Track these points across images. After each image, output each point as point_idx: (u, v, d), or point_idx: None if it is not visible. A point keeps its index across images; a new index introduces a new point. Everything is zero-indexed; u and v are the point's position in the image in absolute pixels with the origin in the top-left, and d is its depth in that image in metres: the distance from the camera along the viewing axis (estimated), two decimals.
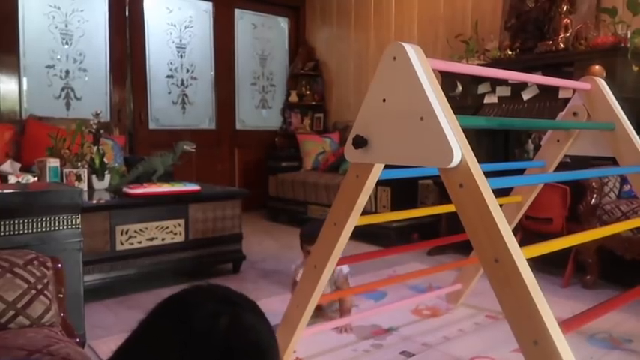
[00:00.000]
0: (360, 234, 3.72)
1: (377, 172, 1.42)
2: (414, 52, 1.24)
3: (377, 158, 1.34)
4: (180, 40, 4.76)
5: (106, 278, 2.47)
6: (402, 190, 3.66)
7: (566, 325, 1.13)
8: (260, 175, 4.99)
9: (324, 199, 4.10)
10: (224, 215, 2.90)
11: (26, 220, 1.28)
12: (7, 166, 2.79)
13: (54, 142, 2.90)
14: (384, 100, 1.29)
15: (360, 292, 2.46)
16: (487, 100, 3.59)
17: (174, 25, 4.71)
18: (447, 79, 3.75)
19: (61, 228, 1.33)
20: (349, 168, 1.47)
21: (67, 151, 2.87)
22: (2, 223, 1.25)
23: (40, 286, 1.09)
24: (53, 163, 2.76)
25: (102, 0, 4.29)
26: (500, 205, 2.20)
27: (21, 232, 1.27)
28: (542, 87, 3.22)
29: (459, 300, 2.42)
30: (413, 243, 3.44)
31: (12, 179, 2.55)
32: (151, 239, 2.62)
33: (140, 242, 2.59)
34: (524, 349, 1.06)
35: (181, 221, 2.73)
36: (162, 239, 2.67)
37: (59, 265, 1.17)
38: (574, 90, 1.99)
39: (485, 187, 1.13)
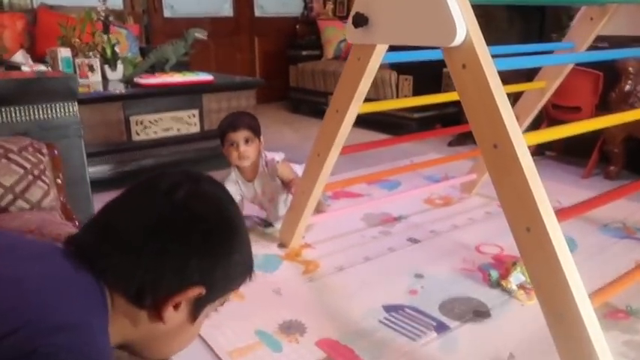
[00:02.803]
0: (380, 125, 3.68)
1: (379, 54, 1.32)
2: None
3: (378, 38, 1.24)
4: None
5: (124, 168, 2.54)
6: (425, 79, 3.49)
7: (562, 213, 1.10)
8: (281, 65, 4.84)
9: None
10: (239, 105, 2.86)
11: (22, 108, 1.28)
12: (19, 56, 2.77)
13: (64, 32, 2.83)
14: None
15: (372, 181, 2.47)
16: None
17: None
18: None
19: (58, 115, 1.33)
20: (351, 50, 1.37)
21: (78, 40, 2.81)
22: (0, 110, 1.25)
23: (36, 172, 1.11)
24: (64, 52, 2.73)
25: None
26: (522, 92, 2.10)
27: (18, 119, 1.28)
28: None
29: (473, 190, 2.40)
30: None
31: (25, 70, 2.54)
32: (167, 130, 2.64)
33: (156, 133, 2.61)
34: (516, 236, 1.04)
35: (195, 111, 2.71)
36: (178, 130, 2.68)
37: (55, 152, 1.19)
38: None
39: (490, 68, 1.04)
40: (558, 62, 1.80)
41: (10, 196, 1.07)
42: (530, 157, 1.01)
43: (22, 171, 1.09)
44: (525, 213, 1.01)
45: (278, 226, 1.97)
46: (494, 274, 1.61)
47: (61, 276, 0.59)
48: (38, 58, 3.06)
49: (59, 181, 1.17)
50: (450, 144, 3.36)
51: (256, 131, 1.85)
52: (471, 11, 1.06)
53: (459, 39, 1.04)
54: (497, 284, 1.58)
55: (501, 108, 1.02)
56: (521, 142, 1.02)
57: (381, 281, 1.63)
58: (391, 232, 2.02)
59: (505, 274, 1.59)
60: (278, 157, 1.93)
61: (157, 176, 0.70)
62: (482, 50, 1.04)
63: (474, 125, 1.08)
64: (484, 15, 3.42)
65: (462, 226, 2.07)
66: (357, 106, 1.43)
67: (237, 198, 1.93)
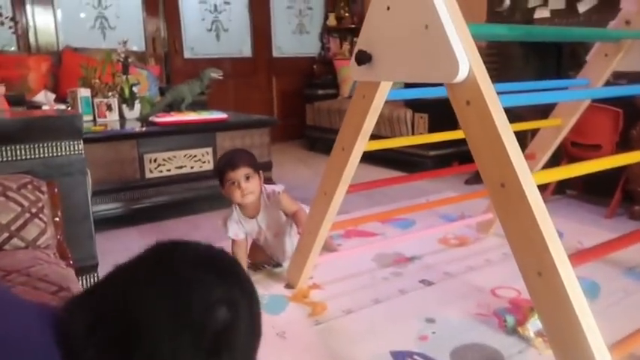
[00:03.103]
0: (396, 163, 3.65)
1: (384, 92, 1.30)
2: None
3: (381, 75, 1.22)
4: None
5: (137, 205, 2.55)
6: (441, 117, 3.45)
7: (579, 256, 1.03)
8: (298, 104, 4.90)
9: None
10: (252, 143, 2.87)
11: (27, 146, 1.29)
12: (41, 96, 2.85)
13: (85, 72, 2.92)
14: (388, 9, 1.15)
15: (386, 220, 2.42)
16: (538, 14, 3.26)
17: None
18: None
19: (63, 153, 1.33)
20: (356, 88, 1.36)
21: (98, 80, 2.88)
22: (3, 148, 1.26)
23: (34, 210, 1.11)
24: (84, 92, 2.80)
25: None
26: (538, 129, 2.05)
27: (23, 157, 1.28)
28: None
29: (490, 229, 2.32)
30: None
31: (45, 109, 2.61)
32: (180, 167, 2.65)
33: (169, 170, 2.62)
34: (527, 280, 0.98)
35: (209, 149, 2.73)
36: (191, 167, 2.69)
37: (55, 190, 1.18)
38: None
39: (494, 104, 1.01)
40: (567, 99, 1.75)
41: (5, 234, 1.06)
42: (539, 197, 0.96)
43: (19, 209, 1.08)
44: (536, 256, 0.95)
45: (286, 265, 1.92)
46: (511, 319, 1.52)
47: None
48: (61, 99, 3.15)
49: (57, 219, 1.16)
50: (467, 182, 3.29)
51: (255, 166, 1.83)
52: (474, 47, 1.04)
53: (461, 75, 1.01)
54: (513, 331, 1.49)
55: (508, 145, 0.98)
56: (530, 181, 0.97)
57: (390, 325, 1.55)
58: (403, 274, 1.95)
59: (522, 320, 1.50)
60: (278, 188, 1.90)
61: (186, 282, 0.59)
62: (487, 86, 1.01)
63: (479, 163, 1.04)
64: (499, 53, 3.43)
65: (477, 268, 1.98)
66: (363, 144, 1.41)
67: (241, 236, 1.90)
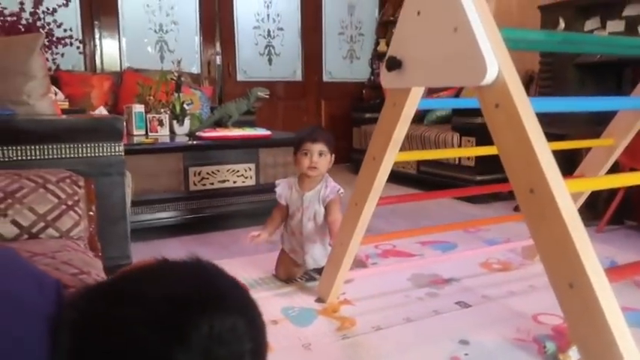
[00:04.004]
0: (441, 187, 3.55)
1: (415, 99, 1.29)
2: None
3: (411, 80, 1.21)
4: None
5: (180, 216, 2.62)
6: (489, 141, 3.36)
7: (614, 272, 0.95)
8: (345, 128, 4.93)
9: (405, 150, 3.94)
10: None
11: (71, 145, 1.37)
12: (98, 111, 3.03)
13: (141, 90, 3.08)
14: (419, 14, 1.14)
15: (426, 242, 2.35)
16: None
17: None
18: (547, 15, 3.34)
19: (104, 154, 1.40)
20: (386, 96, 1.35)
21: (152, 97, 3.03)
22: (50, 146, 1.34)
23: (70, 202, 1.16)
24: (138, 108, 2.95)
25: None
26: (589, 148, 1.95)
27: (67, 155, 1.36)
28: None
29: (536, 256, 2.19)
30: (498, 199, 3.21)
31: None
32: (223, 181, 2.71)
33: (212, 184, 2.69)
34: (558, 292, 0.91)
35: (252, 165, 2.78)
36: (234, 182, 2.74)
37: (92, 186, 1.23)
38: None
39: (525, 107, 0.96)
40: (608, 108, 1.64)
41: (41, 224, 1.11)
42: (571, 204, 0.90)
43: (56, 200, 1.14)
44: (567, 266, 0.89)
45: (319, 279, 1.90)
46: (552, 346, 1.42)
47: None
48: (118, 114, 3.33)
49: (91, 213, 1.21)
50: (516, 209, 3.15)
51: (331, 147, 1.96)
52: (505, 49, 1.01)
53: (489, 77, 0.98)
54: (553, 358, 1.39)
55: (537, 149, 0.93)
56: (561, 187, 0.91)
57: (420, 345, 1.49)
58: (439, 294, 1.87)
59: (565, 347, 1.40)
60: (340, 189, 1.97)
61: (189, 316, 0.51)
62: (516, 88, 0.97)
63: (508, 168, 0.99)
64: (553, 77, 3.32)
65: (519, 293, 1.88)
66: (394, 153, 1.38)
67: (282, 201, 1.98)
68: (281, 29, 4.87)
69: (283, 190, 1.98)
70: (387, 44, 5.17)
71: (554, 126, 2.38)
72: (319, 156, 1.91)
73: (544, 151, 0.93)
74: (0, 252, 0.63)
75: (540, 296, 1.84)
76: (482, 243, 2.46)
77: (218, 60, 4.59)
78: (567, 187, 0.92)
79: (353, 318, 1.67)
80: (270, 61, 4.86)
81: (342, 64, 5.24)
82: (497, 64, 0.98)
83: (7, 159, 1.33)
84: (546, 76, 3.42)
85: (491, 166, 3.23)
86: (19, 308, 0.53)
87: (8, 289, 0.54)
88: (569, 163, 2.10)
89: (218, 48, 4.59)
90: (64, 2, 3.25)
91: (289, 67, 4.96)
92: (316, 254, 1.94)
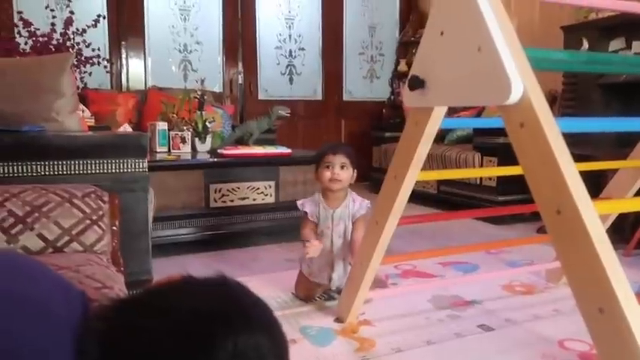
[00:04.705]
0: (462, 207, 3.51)
1: (437, 118, 1.28)
2: None
3: (434, 100, 1.20)
4: (289, 12, 4.83)
5: (200, 233, 2.63)
6: (511, 161, 3.32)
7: None
8: (365, 146, 4.92)
9: (426, 169, 3.91)
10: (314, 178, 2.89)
11: (97, 161, 1.39)
12: (122, 129, 3.08)
13: (164, 108, 3.15)
14: (442, 34, 1.15)
15: (447, 263, 2.31)
16: None
17: None
18: (571, 36, 3.32)
19: (128, 170, 1.42)
20: (408, 115, 1.35)
21: (175, 115, 3.08)
22: (77, 162, 1.37)
23: (94, 217, 1.18)
24: (161, 126, 3.00)
25: None
26: (615, 169, 1.91)
27: (93, 171, 1.38)
28: None
29: (561, 279, 2.14)
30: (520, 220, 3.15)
31: None
32: (243, 199, 2.73)
33: (232, 201, 2.70)
34: (587, 318, 0.89)
35: (272, 183, 2.79)
36: (254, 200, 2.76)
37: (116, 201, 1.25)
38: None
39: (551, 127, 0.95)
40: (636, 129, 1.61)
41: (66, 238, 1.13)
42: (600, 225, 0.88)
43: (81, 215, 1.16)
44: (596, 290, 0.86)
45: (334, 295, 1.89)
46: None
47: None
48: (142, 131, 3.39)
49: (115, 228, 1.23)
50: (539, 230, 3.09)
51: (353, 161, 1.93)
52: (529, 69, 1.00)
53: (514, 96, 0.97)
54: None
55: (564, 169, 0.92)
56: (589, 208, 0.89)
57: None
58: (461, 317, 1.83)
59: None
60: (368, 203, 1.94)
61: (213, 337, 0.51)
62: (542, 107, 0.96)
63: (534, 189, 0.98)
64: (577, 97, 3.27)
65: (544, 317, 1.83)
66: (416, 172, 1.38)
67: (313, 220, 1.93)
68: (302, 49, 4.93)
69: (311, 207, 1.95)
70: (407, 64, 5.20)
71: (577, 147, 2.34)
72: (341, 168, 1.90)
73: (571, 171, 0.92)
74: (32, 262, 0.65)
75: (566, 321, 1.79)
76: (504, 265, 2.42)
77: (240, 79, 4.67)
78: (595, 208, 0.90)
79: (372, 339, 1.64)
80: (291, 80, 4.92)
81: (363, 84, 5.27)
82: (522, 83, 0.98)
83: (35, 174, 1.36)
84: (570, 96, 3.38)
85: (513, 186, 3.18)
86: (46, 317, 0.54)
87: (38, 297, 0.55)
88: (594, 186, 2.06)
89: (240, 67, 4.67)
90: (94, 23, 3.35)
91: (310, 86, 5.01)
92: (341, 272, 1.92)
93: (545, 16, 3.93)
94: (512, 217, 3.18)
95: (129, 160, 1.42)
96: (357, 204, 1.94)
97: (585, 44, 3.21)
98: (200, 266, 2.41)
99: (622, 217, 2.27)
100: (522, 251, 2.52)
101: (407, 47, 5.26)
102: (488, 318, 1.82)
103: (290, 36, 4.86)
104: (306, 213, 1.94)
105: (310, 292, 1.99)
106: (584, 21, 3.29)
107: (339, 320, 1.79)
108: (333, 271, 1.92)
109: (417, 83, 1.21)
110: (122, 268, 1.17)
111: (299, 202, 1.98)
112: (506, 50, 1.00)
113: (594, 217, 0.89)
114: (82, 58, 3.32)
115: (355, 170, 1.97)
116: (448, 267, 2.37)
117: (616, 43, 3.15)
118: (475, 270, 2.35)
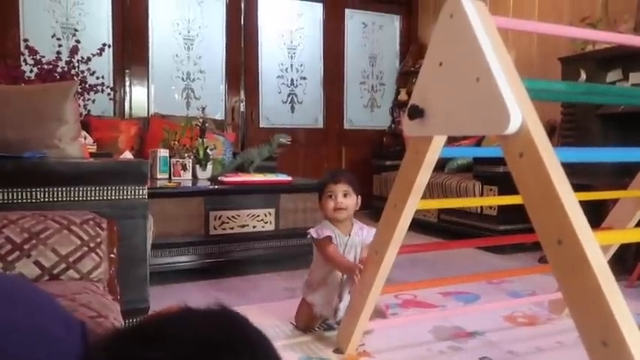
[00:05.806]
0: (462, 236, 3.49)
1: (437, 147, 1.29)
2: (472, 7, 1.10)
3: (433, 129, 1.21)
4: (291, 42, 4.92)
5: (199, 260, 2.61)
6: (512, 190, 3.32)
7: None
8: (366, 174, 4.92)
9: (426, 198, 3.91)
10: (315, 207, 2.87)
11: (97, 188, 1.39)
12: (124, 156, 3.10)
13: (166, 135, 3.16)
14: (441, 64, 1.16)
15: (448, 293, 2.29)
16: None
17: (286, 27, 4.89)
18: (568, 67, 3.36)
19: (128, 197, 1.42)
20: (408, 144, 1.35)
21: (176, 142, 3.10)
22: (76, 188, 1.37)
23: (92, 244, 1.17)
24: (163, 153, 3.02)
25: (220, 8, 4.61)
26: (616, 200, 1.91)
27: (92, 198, 1.38)
28: None
29: (564, 310, 2.11)
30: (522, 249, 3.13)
31: None
32: (243, 226, 2.72)
33: (232, 228, 2.69)
34: (590, 351, 0.87)
35: (272, 210, 2.78)
36: (254, 227, 2.75)
37: (114, 228, 1.25)
38: None
39: (549, 156, 0.95)
40: (635, 159, 1.61)
41: (63, 265, 1.12)
42: (601, 256, 0.87)
43: (79, 242, 1.15)
44: (599, 322, 0.85)
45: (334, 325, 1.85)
46: None
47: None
48: (144, 159, 3.41)
49: (112, 255, 1.22)
50: (541, 260, 3.06)
51: (355, 188, 1.92)
52: (528, 99, 1.01)
53: (513, 126, 0.98)
54: None
55: (564, 199, 0.91)
56: (590, 238, 0.88)
57: None
58: (462, 348, 1.80)
59: None
60: (372, 230, 1.88)
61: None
62: (541, 137, 0.97)
63: (534, 218, 0.97)
64: (576, 127, 3.29)
65: (547, 350, 1.79)
66: (416, 201, 1.37)
67: (335, 240, 1.87)
68: (304, 78, 4.99)
69: (329, 232, 1.88)
70: (408, 93, 5.25)
71: (576, 177, 2.34)
72: (344, 196, 1.88)
73: (571, 201, 0.91)
74: (36, 292, 0.64)
75: (570, 354, 1.75)
76: (506, 295, 2.39)
77: (242, 107, 4.72)
78: (596, 239, 0.90)
79: None
80: (292, 108, 4.97)
81: (363, 112, 5.32)
82: (520, 113, 0.98)
83: (34, 200, 1.36)
84: (569, 126, 3.40)
85: (514, 215, 3.17)
86: (53, 349, 0.53)
87: (44, 328, 0.55)
88: (595, 215, 2.05)
89: (242, 95, 4.72)
90: (99, 52, 3.41)
91: (311, 114, 5.06)
92: (347, 303, 1.89)
93: (542, 48, 3.99)
94: (513, 246, 3.15)
95: (128, 187, 1.42)
96: (365, 231, 1.93)
97: (583, 75, 3.25)
98: (198, 294, 2.38)
99: (624, 248, 2.26)
100: (524, 281, 2.49)
101: (407, 77, 5.33)
102: (490, 350, 1.78)
103: (292, 65, 4.93)
104: (329, 237, 1.87)
105: (311, 322, 1.96)
106: (582, 52, 3.34)
107: (338, 351, 1.75)
108: (340, 301, 1.89)
109: (417, 112, 1.22)
110: (119, 297, 1.16)
111: (312, 230, 1.91)
112: (504, 81, 1.01)
113: (595, 247, 0.88)
114: (87, 86, 3.36)
115: (359, 196, 1.96)
116: (449, 297, 2.34)
117: (613, 75, 3.19)
118: (476, 300, 2.32)
